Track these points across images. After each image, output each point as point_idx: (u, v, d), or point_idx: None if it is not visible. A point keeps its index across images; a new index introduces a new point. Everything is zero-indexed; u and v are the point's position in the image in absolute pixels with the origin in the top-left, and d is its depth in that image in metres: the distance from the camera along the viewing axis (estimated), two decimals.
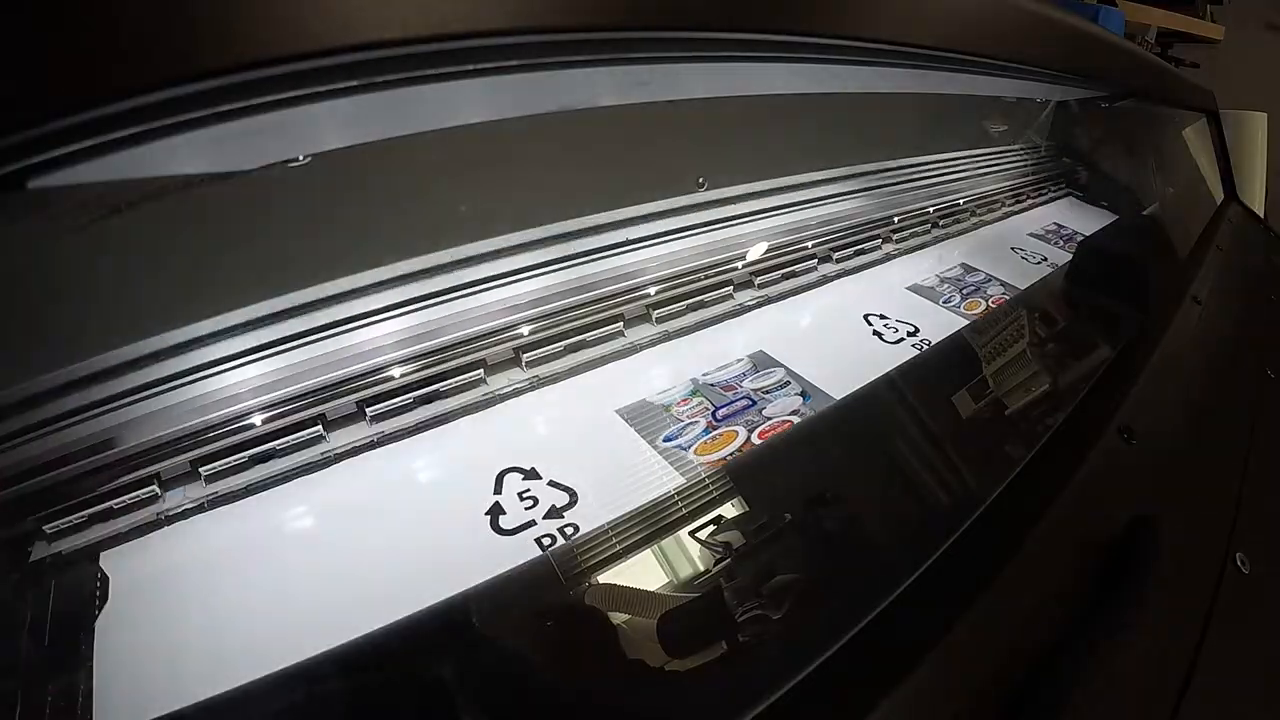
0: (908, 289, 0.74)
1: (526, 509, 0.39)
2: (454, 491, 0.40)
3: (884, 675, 0.29)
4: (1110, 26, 1.29)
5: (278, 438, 0.39)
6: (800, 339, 0.60)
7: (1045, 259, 0.90)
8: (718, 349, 0.57)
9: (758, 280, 0.64)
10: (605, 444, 0.45)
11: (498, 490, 0.40)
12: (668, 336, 0.56)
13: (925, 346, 0.63)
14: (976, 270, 0.81)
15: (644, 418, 0.48)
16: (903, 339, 0.64)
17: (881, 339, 0.63)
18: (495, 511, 0.38)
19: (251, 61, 0.16)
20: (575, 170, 0.49)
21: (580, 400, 0.49)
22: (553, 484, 0.41)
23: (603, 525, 0.39)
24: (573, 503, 0.40)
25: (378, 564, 0.35)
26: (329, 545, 0.36)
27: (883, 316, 0.66)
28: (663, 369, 0.53)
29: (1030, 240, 0.96)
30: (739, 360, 0.55)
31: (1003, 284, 0.79)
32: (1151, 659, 0.37)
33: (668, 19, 0.26)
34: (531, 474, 0.41)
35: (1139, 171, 1.24)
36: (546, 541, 0.37)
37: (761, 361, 0.56)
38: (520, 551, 0.36)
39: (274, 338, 0.40)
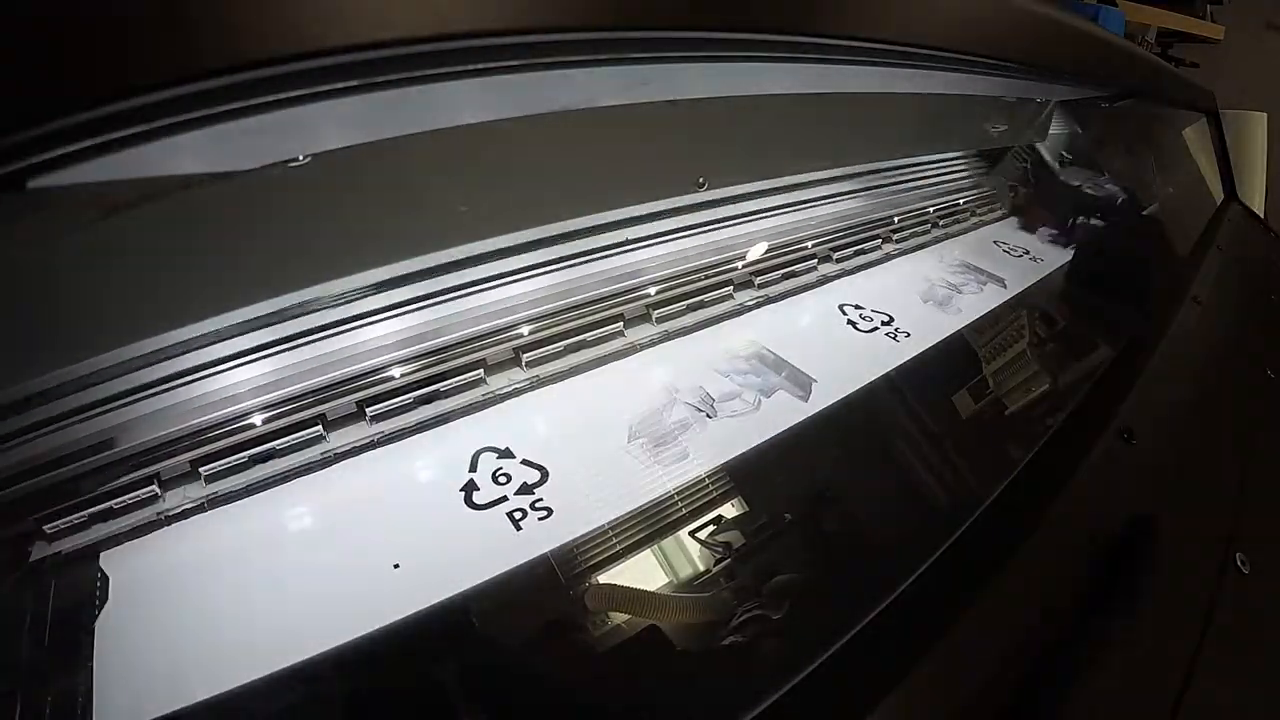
0: None
1: None
2: None
3: (884, 675, 0.29)
4: (1110, 26, 1.29)
5: (278, 438, 0.39)
6: None
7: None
8: None
9: (758, 280, 0.64)
10: None
11: None
12: (668, 336, 0.56)
13: None
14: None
15: None
16: None
17: None
18: None
19: (252, 61, 0.16)
20: (575, 170, 0.49)
21: None
22: None
23: (603, 525, 0.38)
24: None
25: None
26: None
27: None
28: None
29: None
30: None
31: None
32: (1152, 659, 0.37)
33: (668, 19, 0.26)
34: None
35: (1139, 171, 1.24)
36: None
37: None
38: None
39: (274, 338, 0.40)
